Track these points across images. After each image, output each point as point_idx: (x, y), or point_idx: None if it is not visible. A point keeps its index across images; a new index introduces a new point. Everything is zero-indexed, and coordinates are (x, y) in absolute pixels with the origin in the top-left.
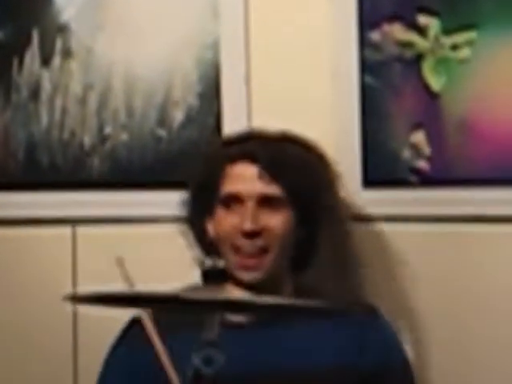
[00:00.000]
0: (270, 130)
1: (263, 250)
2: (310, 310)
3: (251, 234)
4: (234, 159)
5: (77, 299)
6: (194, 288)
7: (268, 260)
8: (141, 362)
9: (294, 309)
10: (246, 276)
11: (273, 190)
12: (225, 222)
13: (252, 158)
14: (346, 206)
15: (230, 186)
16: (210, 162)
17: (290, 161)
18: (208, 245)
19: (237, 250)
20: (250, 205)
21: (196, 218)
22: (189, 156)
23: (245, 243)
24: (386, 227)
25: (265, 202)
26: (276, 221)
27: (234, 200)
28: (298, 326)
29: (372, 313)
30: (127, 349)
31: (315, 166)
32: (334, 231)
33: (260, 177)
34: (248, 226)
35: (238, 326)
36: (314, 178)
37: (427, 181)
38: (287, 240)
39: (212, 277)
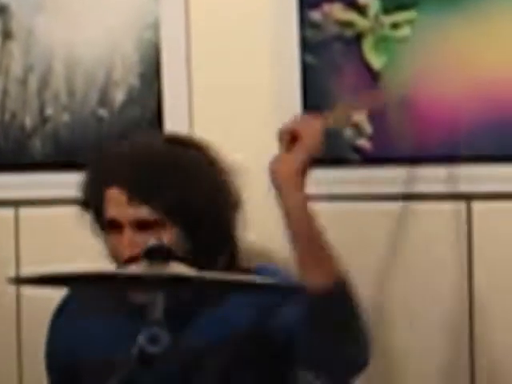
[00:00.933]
0: (146, 146)
1: None
2: (244, 284)
3: (134, 258)
4: (108, 184)
5: (20, 281)
6: (137, 267)
7: None
8: (77, 335)
9: (229, 283)
10: None
11: (146, 213)
12: (110, 247)
13: (122, 183)
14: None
15: (107, 212)
16: (92, 184)
17: (159, 181)
18: None
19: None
20: (127, 231)
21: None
22: (130, 135)
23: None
24: (327, 206)
25: (142, 225)
26: None
27: (114, 225)
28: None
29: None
30: (65, 321)
31: (191, 177)
32: (220, 239)
33: (130, 202)
34: (126, 254)
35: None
36: (188, 192)
37: (368, 159)
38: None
39: (152, 254)
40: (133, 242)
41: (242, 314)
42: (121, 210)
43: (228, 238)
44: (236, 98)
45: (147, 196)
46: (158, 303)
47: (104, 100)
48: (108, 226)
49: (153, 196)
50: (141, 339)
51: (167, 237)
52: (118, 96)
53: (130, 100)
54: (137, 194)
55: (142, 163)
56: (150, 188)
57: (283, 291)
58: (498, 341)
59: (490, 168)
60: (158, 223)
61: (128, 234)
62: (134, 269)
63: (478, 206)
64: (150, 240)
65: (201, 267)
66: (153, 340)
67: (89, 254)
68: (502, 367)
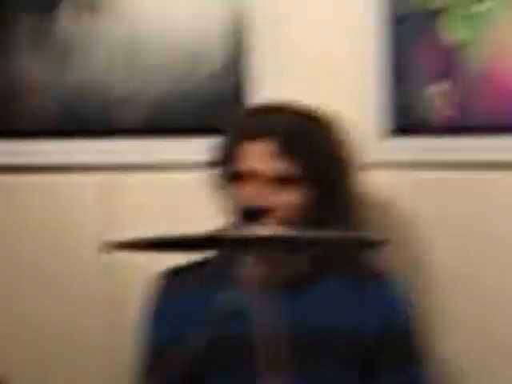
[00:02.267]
0: (292, 105)
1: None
2: (330, 239)
3: (260, 212)
4: (251, 136)
5: (113, 246)
6: (231, 229)
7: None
8: (180, 309)
9: (315, 239)
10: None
11: (285, 168)
12: (237, 197)
13: (267, 136)
14: (358, 187)
15: (245, 163)
16: (230, 136)
17: (305, 141)
18: None
19: (247, 223)
20: (262, 183)
21: (222, 183)
22: (213, 107)
23: (253, 220)
24: (410, 174)
25: (276, 179)
26: (289, 198)
27: (247, 176)
28: (318, 289)
29: (381, 269)
30: (165, 299)
31: (331, 144)
32: (347, 207)
33: (273, 155)
34: (256, 203)
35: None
36: (328, 159)
37: (451, 128)
38: (298, 215)
39: (249, 215)
40: (265, 193)
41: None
42: (261, 162)
43: (350, 208)
44: (316, 73)
45: (292, 152)
46: (238, 268)
47: (192, 72)
48: (241, 177)
49: (297, 153)
50: (221, 299)
51: (297, 195)
52: (204, 68)
53: (215, 72)
54: (283, 149)
55: (292, 121)
56: (296, 145)
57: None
58: None
59: None
60: (292, 181)
61: (262, 185)
62: (224, 231)
63: None
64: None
65: (317, 221)
66: (233, 301)
67: (191, 219)
68: None
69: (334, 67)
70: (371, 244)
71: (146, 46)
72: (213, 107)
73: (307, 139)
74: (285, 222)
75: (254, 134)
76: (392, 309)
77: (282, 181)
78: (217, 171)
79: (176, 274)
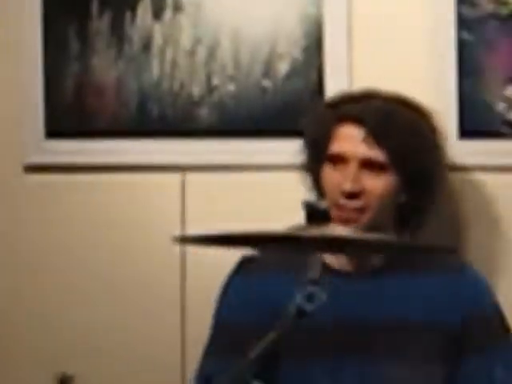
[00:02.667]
0: (384, 92)
1: (361, 211)
2: (408, 247)
3: (351, 195)
4: (343, 120)
5: (186, 240)
6: (299, 228)
7: (365, 218)
8: (255, 294)
9: (393, 246)
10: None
11: (376, 154)
12: (329, 179)
13: (359, 121)
14: (446, 165)
15: (336, 146)
16: (320, 120)
17: (397, 127)
18: (323, 191)
19: (338, 207)
20: (353, 166)
21: (311, 167)
22: (293, 106)
23: (344, 202)
24: (479, 177)
25: (368, 164)
26: (377, 183)
27: (339, 159)
28: (395, 280)
29: (459, 260)
30: (242, 281)
31: (422, 132)
32: (436, 194)
33: (365, 140)
34: (348, 186)
35: (340, 274)
36: (419, 144)
37: None
38: (387, 202)
39: (315, 217)
40: (357, 176)
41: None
42: (353, 146)
43: (435, 200)
44: (394, 71)
45: (384, 138)
46: (316, 264)
47: (268, 72)
48: (332, 160)
49: (389, 140)
50: (298, 297)
51: (386, 181)
52: (282, 68)
53: (293, 72)
54: (376, 135)
55: (382, 105)
56: (388, 132)
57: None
58: None
59: None
60: (383, 167)
61: (354, 169)
62: (294, 230)
63: None
64: (310, 202)
65: (405, 222)
66: (309, 298)
67: (249, 217)
68: None
69: (404, 70)
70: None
71: (224, 46)
72: (293, 107)
73: (398, 126)
74: (372, 207)
75: (347, 119)
76: (476, 294)
77: (373, 166)
78: (307, 156)
79: (253, 259)
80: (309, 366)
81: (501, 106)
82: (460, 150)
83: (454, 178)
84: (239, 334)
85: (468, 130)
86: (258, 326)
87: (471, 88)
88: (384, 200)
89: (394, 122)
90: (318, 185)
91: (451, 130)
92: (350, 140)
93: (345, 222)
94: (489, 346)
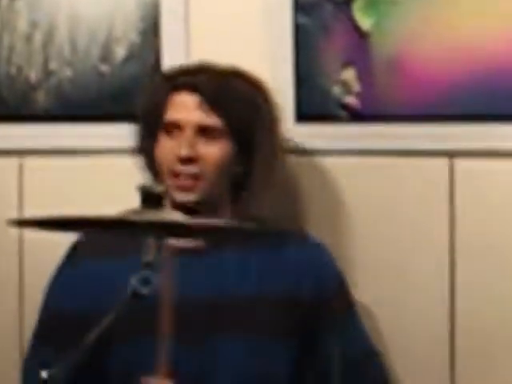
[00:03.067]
0: (219, 65)
1: (198, 177)
2: (244, 232)
3: (187, 160)
4: (178, 88)
5: (22, 223)
6: (134, 212)
7: (202, 185)
8: (85, 280)
9: (228, 230)
10: (182, 197)
11: (212, 120)
12: (164, 148)
13: (194, 88)
14: (283, 142)
15: (171, 114)
16: (155, 90)
17: (233, 94)
18: (157, 172)
19: (174, 174)
20: (188, 133)
21: (145, 146)
22: (130, 90)
23: (181, 168)
24: (316, 161)
25: (204, 131)
26: (212, 150)
27: (174, 127)
28: (234, 255)
29: (303, 235)
30: (73, 266)
31: (257, 102)
32: (269, 166)
33: (200, 107)
34: (184, 152)
35: (179, 252)
36: (254, 113)
37: (356, 116)
38: (223, 169)
39: (150, 201)
40: (193, 142)
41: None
42: (188, 113)
43: (274, 169)
44: (230, 56)
45: (220, 105)
46: (150, 247)
47: (105, 56)
48: (167, 128)
49: (225, 106)
50: (133, 280)
51: (222, 148)
52: (119, 52)
53: (131, 56)
54: (210, 101)
55: (218, 74)
56: (224, 98)
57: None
58: (479, 292)
59: (473, 126)
60: (218, 133)
61: (189, 135)
62: (129, 214)
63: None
64: (145, 185)
65: (238, 185)
66: (144, 282)
67: (87, 201)
68: (482, 325)
69: (240, 55)
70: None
71: (61, 30)
72: (130, 90)
73: (234, 93)
74: (208, 175)
75: (182, 88)
76: (321, 266)
77: (208, 133)
78: (141, 133)
79: (86, 244)
80: (143, 347)
81: (337, 90)
82: (297, 134)
83: (292, 161)
84: (68, 321)
85: (305, 114)
86: (87, 313)
87: (308, 72)
88: (220, 168)
89: (229, 89)
90: (152, 166)
91: (288, 113)
92: (185, 107)
93: (181, 189)
94: (335, 320)
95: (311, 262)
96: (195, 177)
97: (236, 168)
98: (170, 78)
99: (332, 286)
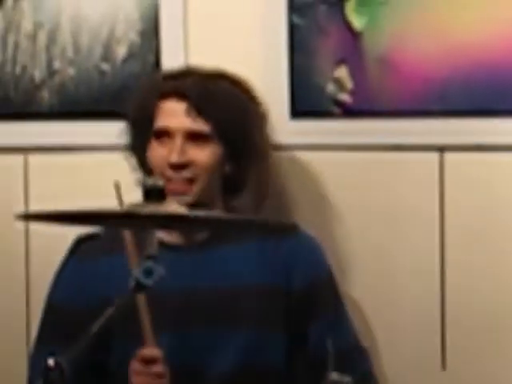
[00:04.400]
0: (205, 68)
1: (190, 181)
2: (239, 223)
3: (178, 166)
4: (166, 96)
5: (29, 217)
6: (137, 206)
7: (195, 188)
8: (89, 275)
9: (226, 222)
10: (177, 201)
11: (200, 126)
12: (156, 154)
13: (182, 95)
14: (271, 141)
15: (160, 121)
16: (145, 97)
17: (219, 99)
18: (150, 169)
19: (166, 179)
20: (178, 139)
21: (137, 147)
22: (131, 89)
23: (172, 174)
24: (310, 156)
25: (193, 136)
26: (203, 155)
27: (164, 134)
28: (228, 249)
29: (294, 229)
30: (76, 263)
31: (244, 105)
32: (259, 165)
33: (188, 113)
34: (175, 158)
35: (176, 248)
36: (242, 116)
37: (349, 112)
38: (214, 172)
39: (152, 195)
40: (183, 149)
41: (256, 267)
42: (177, 119)
43: (264, 168)
44: (228, 55)
45: (207, 111)
46: (152, 240)
47: (107, 55)
48: (157, 135)
49: (212, 112)
50: (136, 272)
51: (212, 152)
52: (120, 51)
53: (131, 55)
54: (197, 107)
55: (203, 79)
56: (210, 104)
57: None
58: (468, 286)
59: (461, 121)
60: (207, 137)
61: (179, 141)
62: (132, 207)
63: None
64: (147, 180)
65: (232, 190)
66: (147, 273)
67: (89, 196)
68: (471, 312)
69: (238, 55)
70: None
71: (65, 30)
72: (131, 89)
73: (219, 97)
74: (200, 179)
75: (169, 95)
76: (311, 259)
77: (197, 138)
78: (132, 135)
79: (90, 239)
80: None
81: (331, 87)
82: (292, 130)
83: (286, 156)
84: (70, 318)
85: (299, 111)
86: (92, 307)
87: (302, 70)
88: (211, 170)
89: (216, 95)
90: (144, 164)
91: (283, 110)
92: (174, 114)
93: (175, 193)
94: (324, 311)
95: (302, 254)
96: (188, 181)
97: (227, 168)
98: (158, 84)
99: (322, 279)
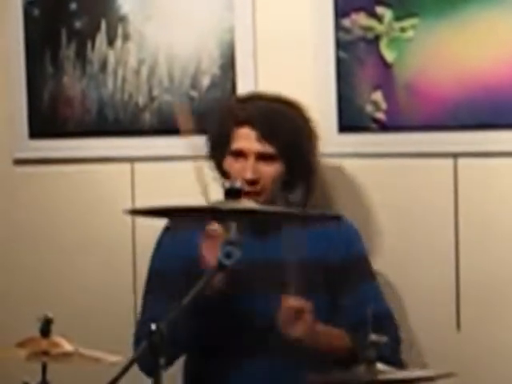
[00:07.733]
0: (269, 93)
1: (259, 192)
2: (296, 215)
3: (251, 182)
4: (240, 123)
5: (135, 212)
6: (220, 202)
7: (263, 196)
8: (180, 246)
9: (287, 214)
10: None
11: (267, 148)
12: (232, 168)
13: (252, 124)
14: (320, 154)
15: (236, 144)
16: (223, 123)
17: (282, 125)
18: (225, 175)
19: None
20: (250, 159)
21: (216, 158)
22: (214, 110)
23: (247, 187)
24: (353, 162)
25: (261, 157)
26: (269, 170)
27: (239, 154)
28: (281, 235)
29: (340, 219)
30: (169, 237)
31: (301, 127)
32: (310, 175)
33: (258, 139)
34: (249, 176)
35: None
36: (299, 138)
37: (384, 128)
38: (277, 183)
39: (231, 194)
40: (254, 167)
41: (314, 245)
42: (249, 143)
43: (314, 177)
44: (290, 84)
45: (271, 136)
46: (232, 229)
47: (195, 84)
48: (234, 155)
49: (275, 137)
50: (219, 255)
51: (276, 168)
52: (205, 81)
53: (213, 84)
54: (265, 134)
55: (268, 107)
56: (275, 131)
57: (323, 220)
58: (482, 253)
59: (470, 133)
60: (273, 157)
61: (252, 162)
62: (216, 203)
63: (462, 162)
64: (226, 182)
65: (288, 190)
66: (227, 255)
67: (183, 195)
68: (485, 275)
69: (294, 85)
70: (330, 218)
71: (162, 65)
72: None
73: (282, 125)
74: (267, 188)
75: (242, 122)
76: (351, 240)
77: (265, 158)
78: (212, 149)
79: (179, 221)
80: (232, 305)
81: (369, 108)
82: (339, 142)
83: (334, 163)
84: (170, 280)
85: (345, 126)
86: (183, 272)
87: (347, 94)
88: (275, 182)
89: (278, 122)
90: (221, 169)
91: (332, 126)
92: (246, 139)
93: (248, 197)
94: (361, 284)
95: (343, 236)
96: (257, 192)
97: (286, 177)
98: (234, 111)
99: (358, 256)
